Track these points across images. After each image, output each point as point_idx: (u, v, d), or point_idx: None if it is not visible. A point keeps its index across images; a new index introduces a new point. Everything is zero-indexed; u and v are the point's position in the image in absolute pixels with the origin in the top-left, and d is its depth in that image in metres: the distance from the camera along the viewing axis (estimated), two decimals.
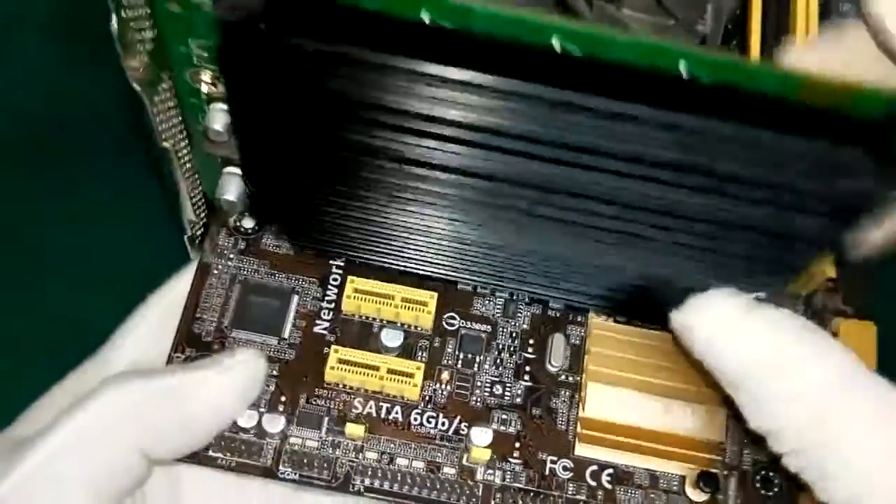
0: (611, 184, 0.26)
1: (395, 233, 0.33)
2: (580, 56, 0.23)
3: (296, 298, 0.36)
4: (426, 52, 0.24)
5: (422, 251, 0.34)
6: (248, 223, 0.37)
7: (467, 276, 0.35)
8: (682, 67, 0.23)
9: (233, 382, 0.32)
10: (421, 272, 0.35)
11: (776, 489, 0.34)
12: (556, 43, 0.23)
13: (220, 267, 0.36)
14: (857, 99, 0.23)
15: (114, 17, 0.23)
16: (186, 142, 0.32)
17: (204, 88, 0.29)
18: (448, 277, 0.35)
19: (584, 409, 0.34)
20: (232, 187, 0.33)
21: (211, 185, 0.35)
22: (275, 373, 0.35)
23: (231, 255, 0.36)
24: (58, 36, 0.48)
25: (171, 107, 0.30)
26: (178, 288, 0.36)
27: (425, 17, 0.24)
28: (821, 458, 0.26)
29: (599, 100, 0.24)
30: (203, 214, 0.36)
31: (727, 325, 0.26)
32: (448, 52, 0.24)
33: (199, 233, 0.36)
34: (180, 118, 0.31)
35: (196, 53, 0.28)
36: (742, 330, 0.25)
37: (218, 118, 0.29)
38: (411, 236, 0.33)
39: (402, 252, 0.34)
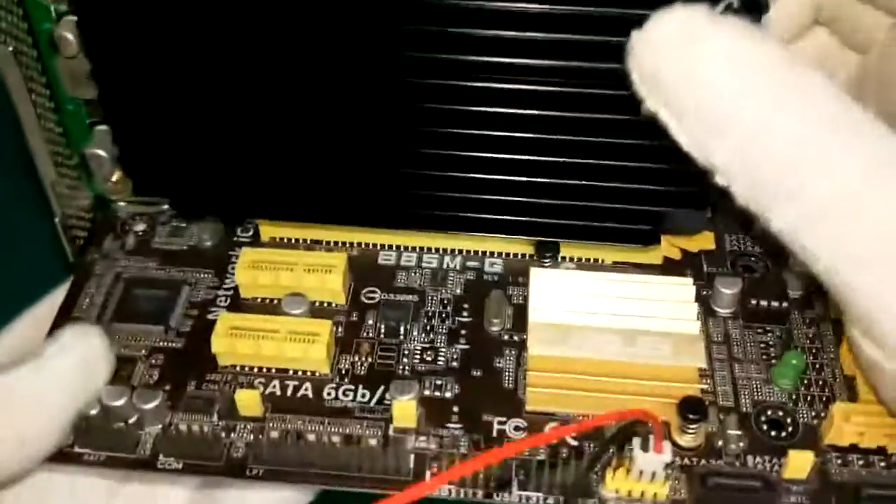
0: None
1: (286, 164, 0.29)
2: None
3: (186, 288, 0.31)
4: None
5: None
6: (140, 226, 0.33)
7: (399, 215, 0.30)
8: None
9: (56, 373, 0.26)
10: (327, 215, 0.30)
11: (790, 429, 0.27)
12: None
13: (104, 268, 0.32)
14: None
15: None
16: (47, 92, 0.29)
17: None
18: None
19: (528, 349, 0.28)
20: (101, 143, 0.29)
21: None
22: (159, 362, 0.29)
23: (118, 257, 0.32)
24: None
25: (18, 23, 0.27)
26: (55, 299, 0.31)
27: None
28: (759, 178, 0.21)
29: None
30: (87, 215, 0.32)
31: (689, 32, 0.21)
32: None
33: (79, 234, 0.32)
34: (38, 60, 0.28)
35: None
36: (703, 37, 0.21)
37: (69, 27, 0.27)
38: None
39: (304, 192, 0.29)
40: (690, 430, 0.26)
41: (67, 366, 0.27)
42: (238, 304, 0.31)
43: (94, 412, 0.27)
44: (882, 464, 0.26)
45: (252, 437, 0.27)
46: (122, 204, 0.33)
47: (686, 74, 0.21)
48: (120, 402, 0.27)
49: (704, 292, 0.31)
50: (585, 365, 0.28)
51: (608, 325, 0.29)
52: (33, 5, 0.27)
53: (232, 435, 0.27)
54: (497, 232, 0.30)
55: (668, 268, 0.31)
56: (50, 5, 0.27)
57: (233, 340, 0.28)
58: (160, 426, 0.27)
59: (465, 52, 0.26)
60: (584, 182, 0.28)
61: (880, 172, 0.20)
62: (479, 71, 0.26)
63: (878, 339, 0.22)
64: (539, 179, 0.28)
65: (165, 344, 0.29)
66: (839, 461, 0.27)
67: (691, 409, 0.26)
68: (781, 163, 0.21)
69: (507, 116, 0.27)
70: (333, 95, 0.27)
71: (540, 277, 0.30)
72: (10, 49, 0.26)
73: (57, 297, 0.31)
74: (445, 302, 0.31)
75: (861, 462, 0.26)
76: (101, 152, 0.29)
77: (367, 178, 0.29)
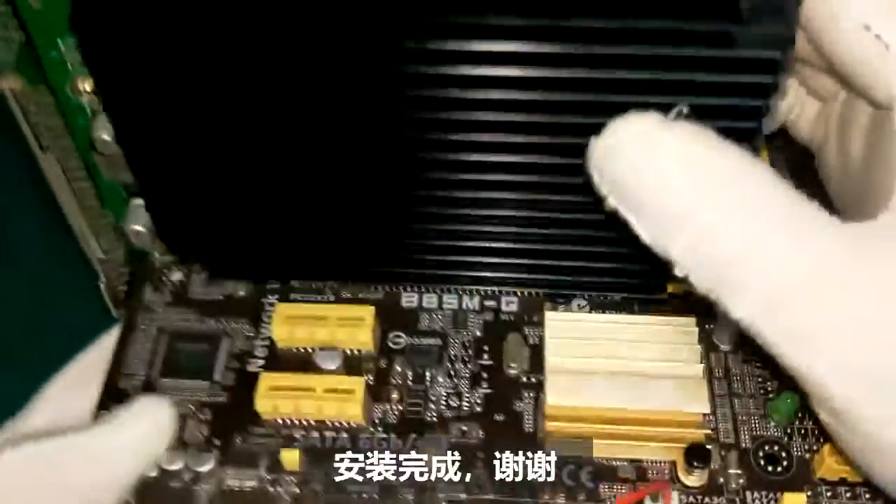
0: None
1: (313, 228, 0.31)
2: None
3: (227, 340, 0.33)
4: None
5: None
6: (176, 276, 0.35)
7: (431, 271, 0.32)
8: None
9: (129, 438, 0.29)
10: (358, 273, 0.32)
11: (785, 463, 0.30)
12: None
13: (146, 321, 0.34)
14: None
15: None
16: (86, 173, 0.30)
17: (85, 100, 0.28)
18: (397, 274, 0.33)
19: (546, 399, 0.31)
20: (139, 218, 0.31)
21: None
22: (207, 417, 0.32)
23: (158, 309, 0.34)
24: None
25: (56, 122, 0.29)
26: (100, 349, 0.34)
27: None
28: (715, 273, 0.23)
29: None
30: (124, 270, 0.34)
31: (642, 138, 0.22)
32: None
33: (121, 288, 0.34)
34: (76, 150, 0.30)
35: (69, 57, 0.28)
36: (656, 142, 0.22)
37: (105, 127, 0.28)
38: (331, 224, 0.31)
39: (324, 251, 0.32)
40: (695, 473, 0.29)
41: (140, 431, 0.29)
42: (275, 354, 0.33)
43: (153, 474, 0.30)
44: (867, 496, 0.29)
45: (297, 490, 0.30)
46: (157, 255, 0.35)
47: (641, 178, 0.23)
48: (178, 467, 0.30)
49: (707, 326, 0.33)
50: (598, 413, 0.30)
51: (618, 369, 0.31)
52: (72, 109, 0.28)
53: (279, 488, 0.30)
54: (513, 287, 0.32)
55: (674, 303, 0.34)
56: (85, 104, 0.29)
57: (274, 401, 0.31)
58: (213, 482, 0.30)
59: (466, 152, 0.28)
60: (593, 249, 0.30)
61: (829, 267, 0.22)
62: (490, 169, 0.28)
63: (838, 418, 0.24)
64: (553, 248, 0.30)
65: (211, 399, 0.32)
66: (829, 493, 0.29)
67: (696, 456, 0.29)
68: (735, 259, 0.22)
69: (525, 201, 0.29)
70: (355, 170, 0.29)
71: (554, 323, 0.32)
72: (54, 155, 0.28)
73: (104, 342, 0.34)
74: (466, 344, 0.33)
75: (849, 494, 0.29)
76: (139, 228, 0.31)
77: (390, 244, 0.31)
